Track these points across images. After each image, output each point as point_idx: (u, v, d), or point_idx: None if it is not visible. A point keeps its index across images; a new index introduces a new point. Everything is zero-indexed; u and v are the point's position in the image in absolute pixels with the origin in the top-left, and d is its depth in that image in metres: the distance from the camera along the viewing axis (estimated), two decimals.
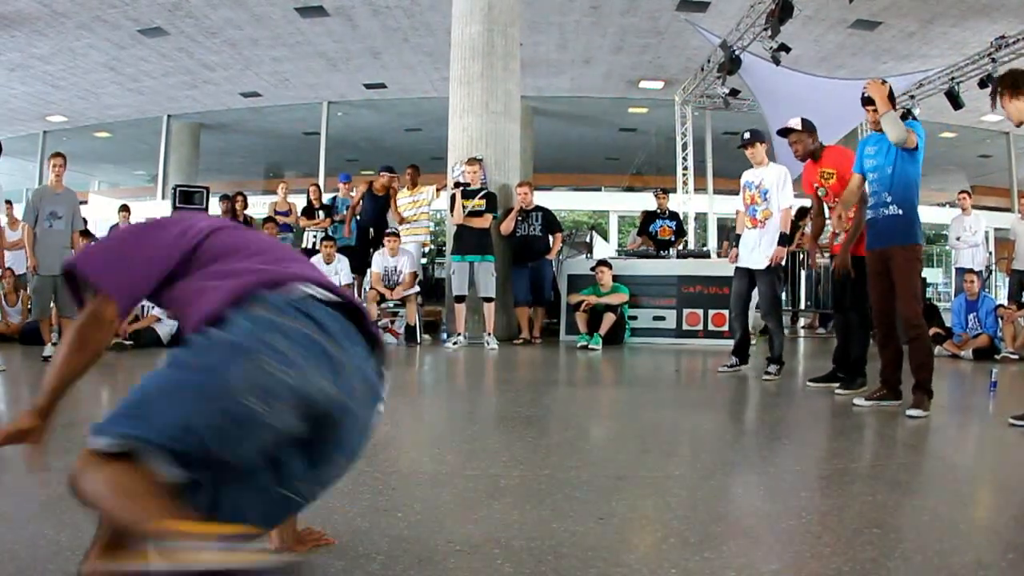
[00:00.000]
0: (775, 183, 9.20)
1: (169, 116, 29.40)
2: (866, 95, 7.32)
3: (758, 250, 9.47)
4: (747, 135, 9.75)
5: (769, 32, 17.44)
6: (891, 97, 7.21)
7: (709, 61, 21.56)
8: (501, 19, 14.11)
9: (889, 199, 7.06)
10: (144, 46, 21.96)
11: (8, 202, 13.68)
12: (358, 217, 15.19)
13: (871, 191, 7.31)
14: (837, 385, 8.22)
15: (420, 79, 24.87)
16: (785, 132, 8.59)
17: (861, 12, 18.71)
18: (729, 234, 18.18)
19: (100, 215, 22.94)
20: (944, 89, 21.11)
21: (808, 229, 10.65)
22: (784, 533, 3.69)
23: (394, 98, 27.31)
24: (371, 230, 14.98)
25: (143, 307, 13.12)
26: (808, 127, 8.43)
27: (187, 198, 16.31)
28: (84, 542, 3.04)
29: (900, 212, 6.99)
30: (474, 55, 14.03)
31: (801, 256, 16.47)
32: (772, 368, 9.32)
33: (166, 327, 13.05)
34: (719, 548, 3.38)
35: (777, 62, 18.16)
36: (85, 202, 22.47)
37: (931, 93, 22.15)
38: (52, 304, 11.57)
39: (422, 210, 14.41)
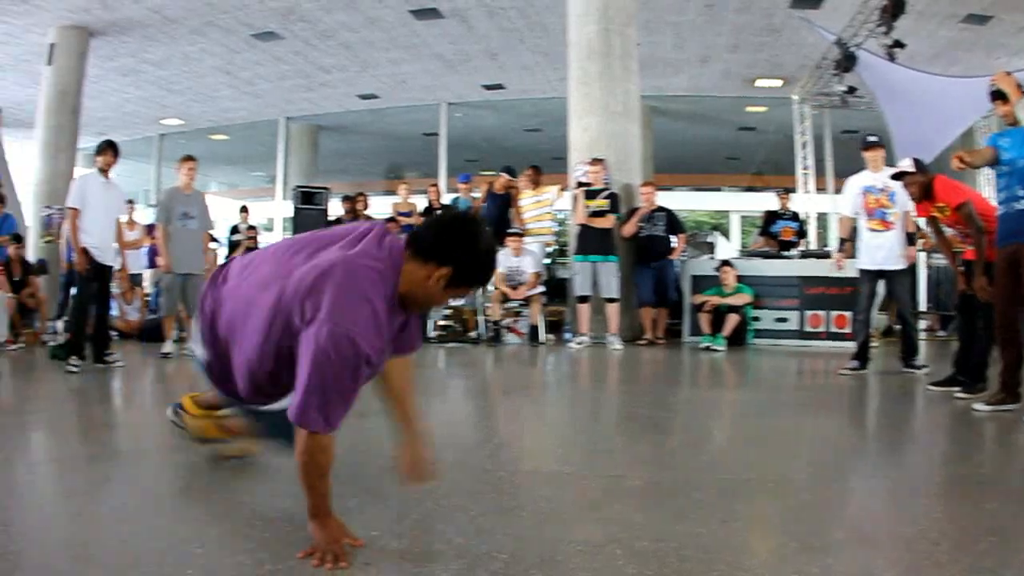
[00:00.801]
0: (899, 185, 9.12)
1: (287, 118, 29.86)
2: (995, 89, 7.24)
3: (894, 251, 9.45)
4: (876, 137, 9.68)
5: (883, 28, 17.32)
6: (1021, 87, 7.14)
7: (825, 58, 21.29)
8: (617, 19, 14.17)
9: (1022, 193, 6.92)
10: (258, 50, 22.34)
11: (130, 201, 13.98)
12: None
13: (1001, 186, 7.19)
14: (958, 389, 8.07)
15: (538, 79, 24.85)
16: (899, 176, 8.49)
17: (972, 6, 18.48)
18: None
19: (219, 216, 23.28)
20: None
21: (928, 230, 10.53)
22: (902, 540, 3.66)
23: (513, 99, 27.34)
24: (493, 230, 14.81)
25: None
26: (920, 167, 8.30)
27: (308, 199, 16.55)
28: (204, 535, 3.55)
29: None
30: (592, 55, 14.11)
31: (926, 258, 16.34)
32: (918, 362, 9.58)
33: None
34: (839, 554, 3.39)
35: (892, 59, 17.97)
36: None
37: None
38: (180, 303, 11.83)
39: (545, 210, 14.46)
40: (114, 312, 13.45)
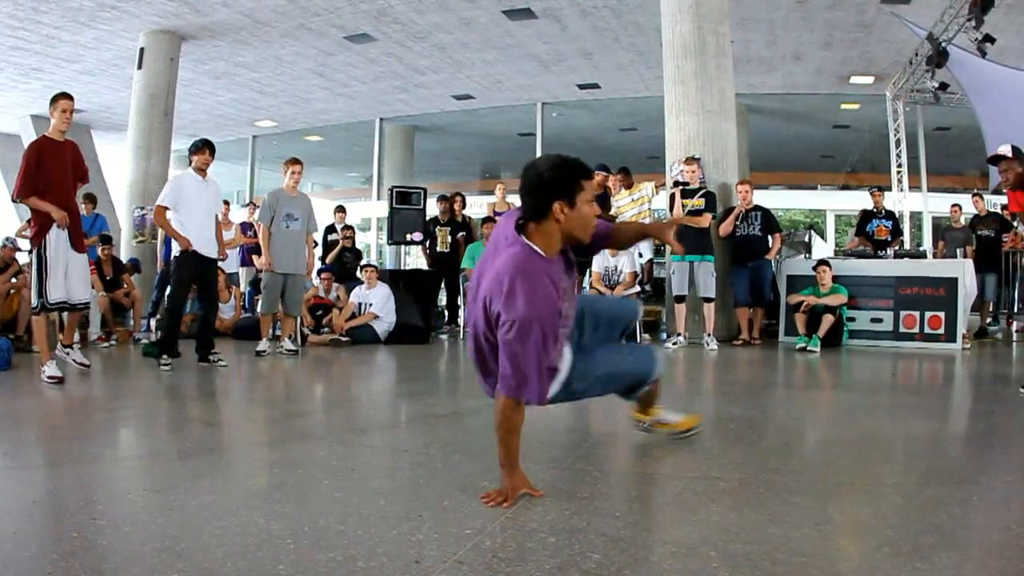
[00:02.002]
0: None
1: (381, 119, 30.06)
2: None
3: None
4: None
5: (973, 23, 17.18)
6: None
7: (917, 54, 21.15)
8: (710, 16, 14.18)
9: None
10: (352, 52, 22.54)
11: (225, 202, 14.27)
12: None
13: None
14: None
15: (633, 79, 24.80)
16: (996, 160, 8.39)
17: None
18: (945, 233, 17.90)
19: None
20: None
21: (1021, 229, 10.44)
22: (994, 546, 3.67)
23: (608, 98, 27.25)
24: None
25: (360, 304, 13.60)
26: (1018, 154, 8.19)
27: (404, 199, 16.72)
28: (296, 531, 3.66)
29: None
30: (686, 54, 14.14)
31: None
32: None
33: (383, 324, 13.51)
34: (931, 559, 3.39)
35: (983, 54, 17.82)
36: None
37: None
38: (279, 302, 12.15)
39: (644, 207, 14.51)
40: None
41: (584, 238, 4.33)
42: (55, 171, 8.97)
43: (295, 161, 12.17)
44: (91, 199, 15.32)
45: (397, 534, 3.58)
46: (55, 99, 9.06)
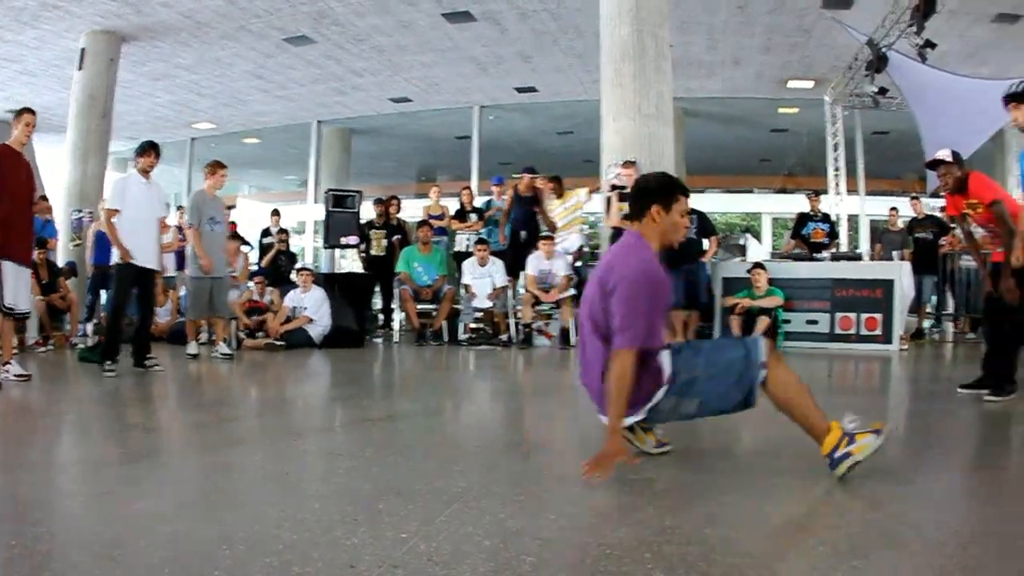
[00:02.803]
0: None
1: (319, 122, 29.88)
2: (1009, 91, 7.31)
3: None
4: None
5: (914, 28, 17.27)
6: None
7: (857, 59, 21.24)
8: (650, 20, 14.09)
9: None
10: (290, 54, 22.36)
11: (179, 207, 14.14)
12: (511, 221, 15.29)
13: None
14: (987, 392, 8.09)
15: (571, 82, 24.79)
16: (934, 164, 8.33)
17: (1003, 5, 18.37)
18: (882, 236, 18.05)
19: (251, 219, 23.41)
20: None
21: (958, 232, 10.48)
22: (932, 543, 3.70)
23: (545, 101, 27.24)
24: (523, 233, 15.08)
25: (295, 308, 13.56)
26: (957, 159, 8.19)
27: (339, 202, 16.65)
28: (232, 537, 3.56)
29: None
30: (624, 57, 14.03)
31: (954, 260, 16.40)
32: None
33: (318, 328, 13.49)
34: (869, 557, 3.42)
35: (923, 59, 17.95)
36: (234, 206, 22.99)
37: None
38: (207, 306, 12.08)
39: (576, 215, 14.53)
40: None
41: (674, 242, 5.05)
42: (12, 180, 8.91)
43: (221, 165, 12.12)
44: (45, 200, 15.22)
45: (332, 538, 3.55)
46: (20, 113, 9.06)
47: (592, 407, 5.19)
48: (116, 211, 10.18)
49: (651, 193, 4.92)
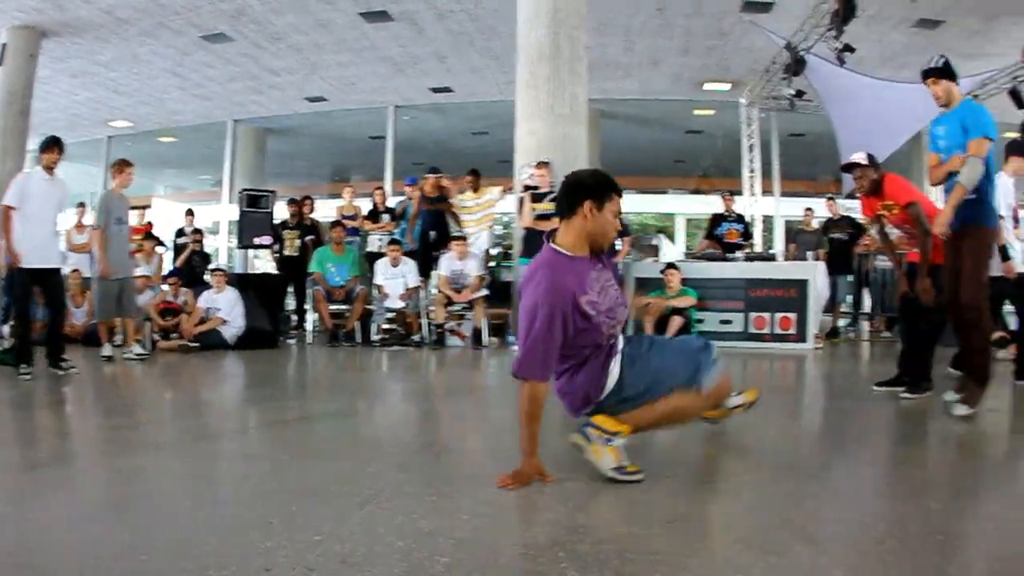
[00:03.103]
0: None
1: (235, 121, 29.53)
2: (928, 66, 7.34)
3: None
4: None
5: (833, 32, 17.38)
6: (954, 76, 7.28)
7: (774, 62, 21.34)
8: (567, 22, 14.07)
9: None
10: (208, 52, 22.10)
11: (81, 204, 13.85)
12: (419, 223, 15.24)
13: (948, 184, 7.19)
14: (902, 389, 8.19)
15: (487, 82, 24.76)
16: (850, 167, 8.41)
17: (924, 11, 18.55)
18: (797, 236, 18.16)
19: (165, 219, 23.11)
20: (1007, 88, 20.91)
21: (874, 232, 10.53)
22: (848, 539, 3.72)
23: (461, 102, 27.21)
24: (432, 233, 15.03)
25: (208, 309, 13.38)
26: (873, 162, 8.25)
27: (253, 202, 16.49)
28: (151, 542, 3.53)
29: (973, 195, 6.89)
30: (540, 58, 14.02)
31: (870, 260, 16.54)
32: None
33: (232, 329, 13.32)
34: (785, 554, 3.43)
35: (842, 63, 18.08)
36: (149, 206, 22.67)
37: (994, 93, 21.90)
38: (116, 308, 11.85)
39: (489, 211, 14.48)
40: None
41: (603, 243, 4.87)
42: None
43: (128, 163, 11.86)
44: None
45: (248, 542, 3.51)
46: None
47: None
48: (13, 208, 9.90)
49: (585, 189, 4.75)
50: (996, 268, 8.24)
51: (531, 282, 4.66)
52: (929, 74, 7.35)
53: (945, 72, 7.28)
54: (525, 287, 4.71)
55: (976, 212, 7.01)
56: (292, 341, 15.21)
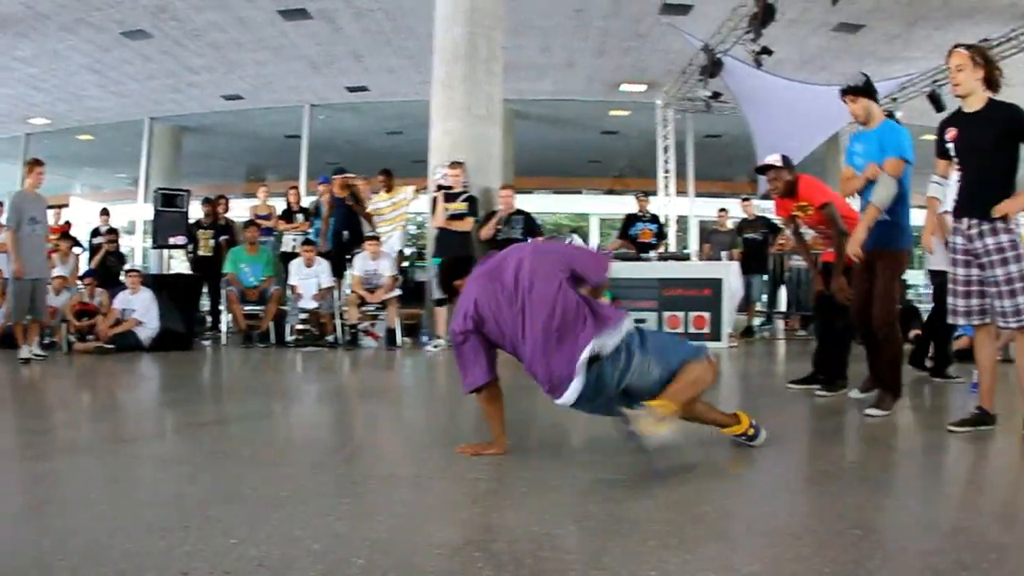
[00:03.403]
0: None
1: (151, 119, 29.02)
2: (848, 84, 7.34)
3: None
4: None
5: (751, 35, 17.47)
6: (874, 95, 7.34)
7: (691, 64, 21.49)
8: (484, 22, 14.13)
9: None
10: (128, 48, 21.73)
11: None
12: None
13: (861, 193, 7.33)
14: (817, 387, 8.30)
15: (402, 82, 24.67)
16: (764, 169, 8.41)
17: (844, 15, 18.64)
18: (711, 236, 18.23)
19: (82, 218, 22.79)
20: (926, 91, 21.17)
21: (789, 232, 10.59)
22: (764, 535, 3.76)
23: (376, 101, 27.11)
24: (345, 233, 14.93)
25: (124, 310, 13.18)
26: (787, 163, 8.25)
27: (169, 201, 16.28)
28: (63, 545, 3.47)
29: (887, 217, 7.01)
30: (456, 58, 14.07)
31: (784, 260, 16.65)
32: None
33: (147, 331, 13.14)
34: (698, 551, 3.44)
35: (759, 65, 18.18)
36: (67, 205, 22.36)
37: (913, 96, 22.17)
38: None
39: (402, 211, 14.41)
40: None
41: None
42: None
43: (39, 162, 11.70)
44: None
45: (165, 546, 3.46)
46: None
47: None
48: None
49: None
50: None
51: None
52: (848, 92, 7.37)
53: (865, 91, 7.33)
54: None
55: (890, 233, 7.13)
56: (207, 342, 14.98)
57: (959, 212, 6.26)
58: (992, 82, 6.11)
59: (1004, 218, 5.92)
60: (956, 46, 6.21)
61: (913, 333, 10.79)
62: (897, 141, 7.06)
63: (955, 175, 6.44)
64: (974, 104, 6.14)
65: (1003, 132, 5.98)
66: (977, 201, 6.10)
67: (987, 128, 6.03)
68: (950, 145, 6.24)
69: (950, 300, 6.40)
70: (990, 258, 6.03)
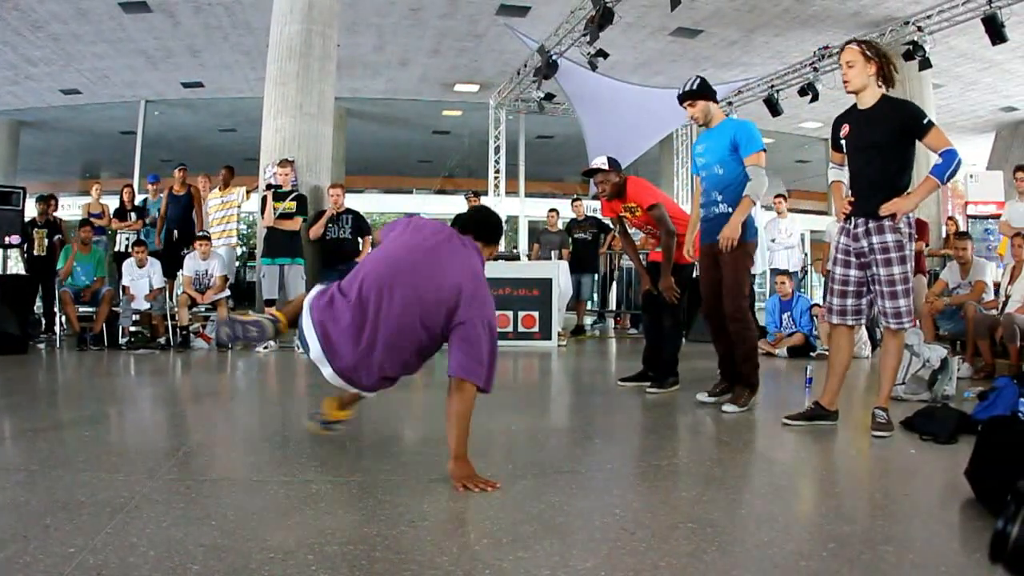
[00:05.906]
0: None
1: None
2: (683, 90, 7.23)
3: None
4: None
5: (588, 38, 17.35)
6: (711, 96, 7.30)
7: (526, 65, 21.59)
8: (320, 19, 13.87)
9: (719, 198, 7.03)
10: None
11: None
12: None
13: (703, 189, 7.28)
14: (648, 384, 8.29)
15: (237, 79, 24.10)
16: (591, 172, 8.31)
17: (683, 20, 18.76)
18: (540, 236, 17.87)
19: None
20: (764, 96, 21.34)
21: (616, 232, 10.26)
22: (598, 530, 3.73)
23: (210, 97, 26.44)
24: (176, 232, 14.29)
25: None
26: (614, 166, 8.15)
27: (4, 199, 15.17)
28: (11, 556, 3.28)
29: (730, 211, 6.91)
30: (291, 55, 13.73)
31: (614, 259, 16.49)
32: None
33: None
34: (532, 547, 3.42)
35: (594, 68, 18.10)
36: None
37: (750, 100, 22.46)
38: None
39: (231, 211, 13.83)
40: None
41: None
42: None
43: None
44: None
45: (4, 558, 3.25)
46: None
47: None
48: None
49: (500, 229, 5.35)
50: None
51: (476, 297, 4.68)
52: (685, 98, 7.27)
53: (701, 94, 7.23)
54: (470, 299, 4.67)
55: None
56: (42, 345, 14.12)
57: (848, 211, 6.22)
58: (886, 77, 6.02)
59: (892, 217, 5.85)
60: (848, 42, 6.19)
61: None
62: (751, 135, 7.04)
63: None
64: (867, 100, 6.04)
65: (897, 130, 5.88)
66: (866, 199, 6.03)
67: (881, 126, 5.94)
68: (843, 141, 6.21)
69: (827, 298, 6.40)
70: (875, 257, 5.97)
